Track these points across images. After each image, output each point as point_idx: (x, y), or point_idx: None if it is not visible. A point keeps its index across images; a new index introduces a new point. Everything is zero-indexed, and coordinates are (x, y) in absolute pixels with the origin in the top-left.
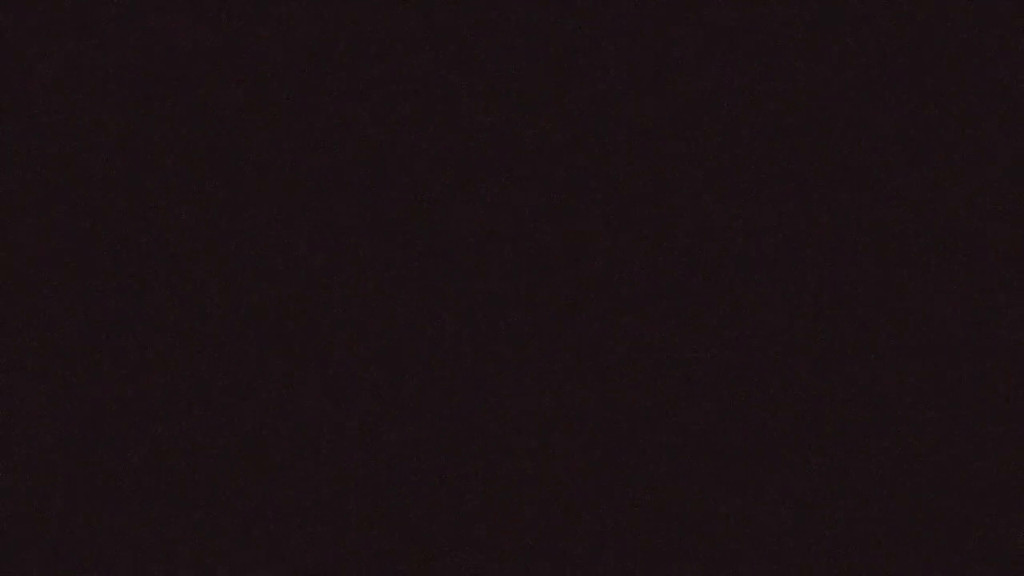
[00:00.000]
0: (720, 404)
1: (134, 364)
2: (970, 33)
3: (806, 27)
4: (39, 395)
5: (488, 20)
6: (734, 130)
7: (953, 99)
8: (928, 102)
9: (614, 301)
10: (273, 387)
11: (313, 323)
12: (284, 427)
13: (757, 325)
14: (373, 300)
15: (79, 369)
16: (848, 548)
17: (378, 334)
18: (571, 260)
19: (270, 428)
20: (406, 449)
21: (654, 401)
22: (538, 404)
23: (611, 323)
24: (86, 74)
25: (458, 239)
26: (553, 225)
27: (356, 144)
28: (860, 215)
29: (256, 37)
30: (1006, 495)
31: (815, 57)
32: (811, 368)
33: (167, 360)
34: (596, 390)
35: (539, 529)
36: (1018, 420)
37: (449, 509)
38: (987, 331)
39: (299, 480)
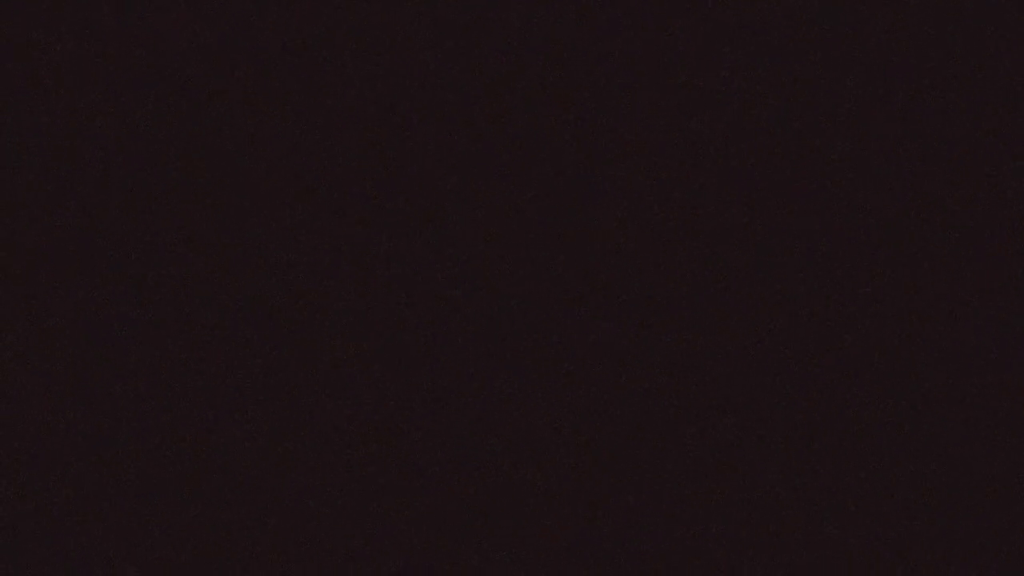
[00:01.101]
0: (724, 405)
1: (133, 364)
2: (970, 33)
3: (808, 27)
4: (39, 395)
5: (489, 19)
6: (738, 130)
7: (954, 99)
8: (930, 102)
9: (621, 301)
10: (273, 387)
11: (313, 322)
12: (284, 427)
13: (760, 325)
14: (374, 300)
15: (79, 369)
16: (854, 548)
17: (379, 334)
18: (572, 260)
19: (270, 428)
20: (407, 450)
21: (657, 402)
22: (539, 405)
23: (617, 323)
24: (87, 74)
25: (460, 239)
26: (554, 225)
27: (358, 143)
28: (866, 216)
29: (256, 36)
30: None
31: (818, 57)
32: (814, 369)
33: (166, 359)
34: (598, 391)
35: (540, 530)
36: (1018, 420)
37: (451, 509)
38: (989, 331)
39: (299, 480)
